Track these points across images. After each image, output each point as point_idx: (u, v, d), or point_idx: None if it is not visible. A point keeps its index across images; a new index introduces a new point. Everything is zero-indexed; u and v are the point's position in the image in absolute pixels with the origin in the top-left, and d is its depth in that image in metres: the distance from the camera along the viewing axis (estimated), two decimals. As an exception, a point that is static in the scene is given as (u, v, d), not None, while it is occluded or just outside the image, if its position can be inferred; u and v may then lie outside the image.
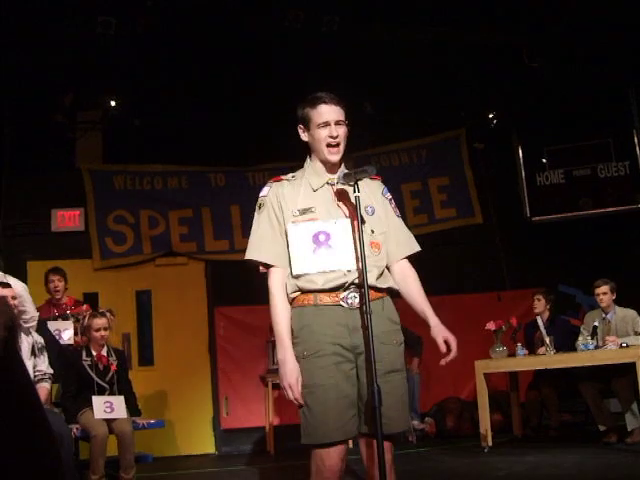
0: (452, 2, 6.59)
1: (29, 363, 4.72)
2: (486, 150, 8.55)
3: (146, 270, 7.90)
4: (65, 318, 6.05)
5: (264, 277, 2.70)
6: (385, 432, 2.41)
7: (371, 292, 2.53)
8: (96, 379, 5.20)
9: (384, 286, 2.66)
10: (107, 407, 4.99)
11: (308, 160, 2.78)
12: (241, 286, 7.48)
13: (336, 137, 2.65)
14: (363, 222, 2.59)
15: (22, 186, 7.72)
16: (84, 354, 5.29)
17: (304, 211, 2.64)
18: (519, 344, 6.33)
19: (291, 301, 2.64)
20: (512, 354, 6.25)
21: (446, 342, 2.69)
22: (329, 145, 2.65)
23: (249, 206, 3.01)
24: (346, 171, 2.65)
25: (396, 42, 6.94)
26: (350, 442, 2.51)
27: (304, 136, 2.74)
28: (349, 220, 2.63)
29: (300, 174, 2.76)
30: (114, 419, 4.98)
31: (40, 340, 4.99)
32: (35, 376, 4.81)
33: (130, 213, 7.91)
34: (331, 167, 2.72)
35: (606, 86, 7.78)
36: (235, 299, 7.71)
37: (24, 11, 6.01)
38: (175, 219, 8.00)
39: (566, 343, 6.16)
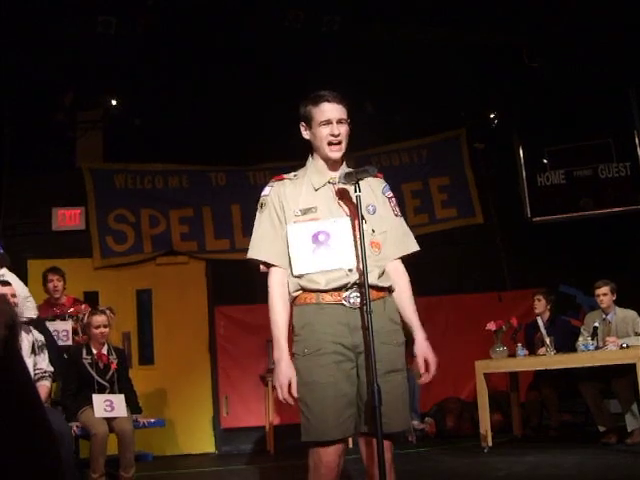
0: (452, 2, 6.58)
1: (29, 361, 4.72)
2: (487, 150, 8.55)
3: (147, 269, 7.90)
4: (63, 319, 6.04)
5: (265, 276, 2.70)
6: (385, 431, 2.42)
7: (372, 292, 2.53)
8: (96, 377, 5.20)
9: (385, 285, 2.66)
10: (107, 405, 5.00)
11: (310, 158, 2.78)
12: (241, 285, 7.49)
13: (338, 135, 2.65)
14: (364, 221, 2.59)
15: (22, 185, 7.72)
16: (84, 352, 5.29)
17: (306, 211, 2.64)
18: (519, 344, 6.32)
19: (293, 299, 2.65)
20: (512, 354, 6.25)
21: (426, 361, 2.64)
22: (330, 143, 2.66)
23: (250, 205, 3.02)
24: (347, 170, 2.65)
25: (396, 42, 6.94)
26: (350, 442, 2.52)
27: (306, 134, 2.74)
28: (350, 219, 2.63)
29: (302, 173, 2.76)
30: (114, 418, 4.99)
31: (40, 338, 4.99)
32: (35, 374, 4.81)
33: (131, 212, 7.92)
34: (333, 165, 2.72)
35: (607, 86, 7.77)
36: (235, 298, 7.72)
37: (24, 11, 6.01)
38: (176, 218, 8.00)
39: (566, 344, 6.15)
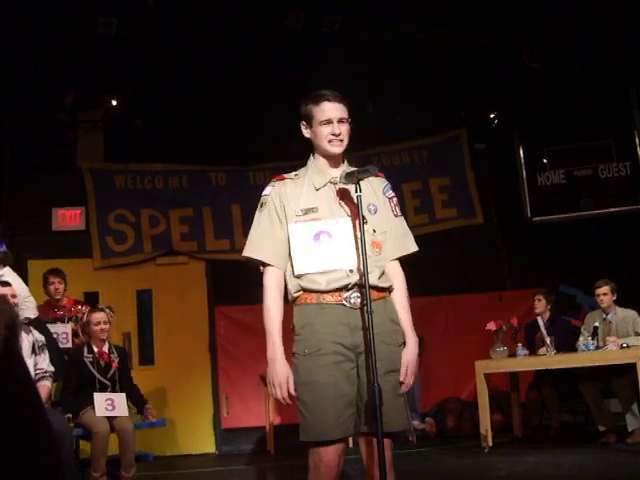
0: (452, 2, 6.58)
1: (30, 361, 4.72)
2: (487, 150, 8.55)
3: (147, 269, 7.90)
4: (63, 321, 6.00)
5: (262, 278, 2.70)
6: (385, 431, 2.42)
7: (373, 292, 2.53)
8: (98, 376, 5.19)
9: (385, 285, 2.66)
10: (109, 404, 4.99)
11: (311, 158, 2.78)
12: (242, 285, 7.45)
13: (338, 135, 2.65)
14: (365, 221, 2.59)
15: (23, 185, 7.72)
16: (85, 351, 5.28)
17: (307, 211, 2.64)
18: (520, 344, 6.32)
19: (294, 300, 2.65)
20: (513, 354, 6.25)
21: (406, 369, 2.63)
22: (331, 141, 2.66)
23: (250, 205, 3.01)
24: (348, 170, 2.64)
25: (396, 42, 6.94)
26: (350, 442, 2.52)
27: (307, 133, 2.74)
28: (351, 219, 2.63)
29: (303, 172, 2.76)
30: (115, 417, 4.98)
31: (41, 338, 4.99)
32: (36, 374, 4.81)
33: (131, 212, 7.92)
34: (334, 162, 2.72)
35: (607, 86, 7.77)
36: (236, 298, 7.71)
37: (25, 11, 6.01)
38: (176, 218, 8.00)
39: (567, 343, 6.15)
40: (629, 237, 7.88)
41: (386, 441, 2.45)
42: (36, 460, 1.18)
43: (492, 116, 8.44)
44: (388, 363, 2.55)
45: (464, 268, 8.33)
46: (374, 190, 2.76)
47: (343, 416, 2.52)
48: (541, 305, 6.77)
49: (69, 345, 5.75)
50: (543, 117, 8.11)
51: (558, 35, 7.00)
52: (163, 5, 6.23)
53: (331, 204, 2.67)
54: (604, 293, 6.18)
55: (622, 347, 5.67)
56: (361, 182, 2.58)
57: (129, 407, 5.30)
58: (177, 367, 7.57)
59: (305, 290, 2.61)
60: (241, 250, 2.77)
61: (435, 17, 6.77)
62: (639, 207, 8.01)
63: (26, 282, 5.48)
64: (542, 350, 6.28)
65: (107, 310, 5.41)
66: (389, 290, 2.69)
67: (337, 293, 2.58)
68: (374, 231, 2.67)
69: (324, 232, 2.62)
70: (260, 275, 2.71)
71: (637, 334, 5.95)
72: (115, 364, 5.32)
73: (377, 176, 2.78)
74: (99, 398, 5.00)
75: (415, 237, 2.84)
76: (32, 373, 4.69)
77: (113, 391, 5.20)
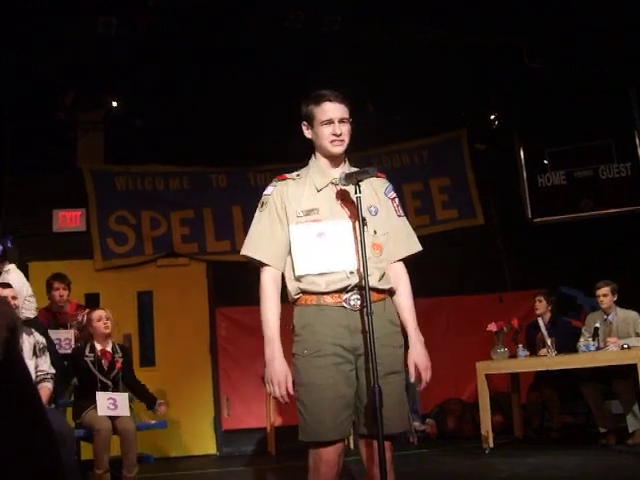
0: (452, 2, 6.58)
1: (31, 363, 4.71)
2: (487, 151, 8.55)
3: (147, 271, 7.90)
4: (66, 327, 5.95)
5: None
6: (384, 432, 2.41)
7: (373, 294, 2.53)
8: (99, 376, 5.15)
9: (385, 287, 2.66)
10: (111, 404, 4.97)
11: (313, 158, 2.78)
12: (242, 287, 7.46)
13: (339, 135, 2.65)
14: (365, 223, 2.59)
15: (23, 186, 7.72)
16: (87, 350, 5.23)
17: (308, 212, 2.64)
18: (520, 345, 6.32)
19: (294, 301, 2.65)
20: (513, 355, 6.24)
21: (417, 368, 2.63)
22: (332, 141, 2.66)
23: (250, 207, 3.01)
24: (348, 172, 2.64)
25: (396, 42, 6.94)
26: (352, 443, 2.52)
27: (308, 133, 2.74)
28: (352, 221, 2.63)
29: (304, 172, 2.75)
30: (117, 417, 4.97)
31: (42, 340, 4.98)
32: (37, 376, 4.80)
33: (131, 214, 7.92)
34: (335, 162, 2.72)
35: (607, 87, 7.77)
36: (236, 300, 7.70)
37: (25, 11, 6.01)
38: (176, 220, 8.00)
39: (567, 344, 6.15)
40: (630, 238, 7.87)
41: (386, 443, 2.45)
42: (36, 460, 1.18)
43: (492, 117, 8.44)
44: (387, 365, 2.55)
45: (465, 269, 8.33)
46: (375, 191, 2.76)
47: (341, 417, 2.53)
48: (542, 306, 6.76)
49: (62, 352, 5.65)
50: (543, 118, 8.12)
51: (558, 35, 7.00)
52: (163, 5, 6.23)
53: (332, 205, 2.67)
54: (604, 294, 6.17)
55: (623, 348, 5.67)
56: (362, 183, 2.57)
57: (131, 408, 5.30)
58: (178, 368, 7.57)
59: (305, 292, 2.61)
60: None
61: (435, 17, 6.78)
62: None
63: (27, 283, 5.47)
64: (543, 351, 6.27)
65: (107, 310, 5.41)
66: (389, 292, 2.69)
67: (337, 295, 2.58)
68: (375, 232, 2.67)
69: (325, 233, 2.61)
70: (260, 276, 2.71)
71: (638, 335, 5.94)
72: (119, 364, 5.28)
73: (378, 177, 2.78)
74: (101, 397, 4.99)
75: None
76: (33, 375, 4.68)
77: (115, 391, 5.17)
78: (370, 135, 7.24)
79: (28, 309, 5.09)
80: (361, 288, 2.56)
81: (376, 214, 2.70)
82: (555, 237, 8.06)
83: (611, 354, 5.68)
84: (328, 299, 2.58)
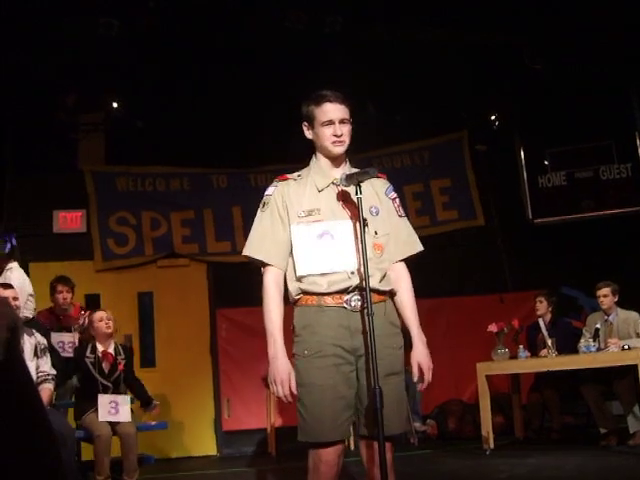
0: (452, 2, 6.59)
1: (32, 364, 4.71)
2: (488, 152, 8.54)
3: (148, 272, 7.90)
4: (69, 330, 5.93)
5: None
6: (384, 434, 2.41)
7: (373, 295, 2.53)
8: (99, 378, 5.12)
9: (386, 289, 2.66)
10: (112, 408, 4.95)
11: (314, 158, 2.78)
12: (243, 288, 7.46)
13: (340, 136, 2.65)
14: (366, 223, 2.59)
15: (24, 187, 7.73)
16: (88, 351, 5.20)
17: (309, 212, 2.64)
18: (521, 346, 6.32)
19: (295, 302, 2.65)
20: (514, 356, 6.24)
21: (420, 368, 2.64)
22: (333, 142, 2.66)
23: (251, 207, 3.01)
24: (348, 173, 2.65)
25: (397, 43, 6.94)
26: (352, 444, 2.52)
27: (308, 134, 2.75)
28: (353, 221, 2.63)
29: (306, 173, 2.76)
30: (118, 422, 4.95)
31: (43, 341, 4.98)
32: (38, 377, 4.80)
33: (132, 214, 7.92)
34: (336, 162, 2.72)
35: (608, 87, 7.77)
36: (237, 301, 7.71)
37: (25, 11, 6.02)
38: (177, 221, 8.00)
39: (568, 345, 6.15)
40: (630, 238, 7.86)
41: (386, 444, 2.45)
42: (36, 461, 1.18)
43: (493, 118, 8.44)
44: (387, 366, 2.55)
45: (465, 270, 8.33)
46: (376, 192, 2.76)
47: (340, 419, 2.53)
48: (543, 307, 6.76)
49: (65, 354, 5.62)
50: (544, 118, 8.11)
51: (558, 35, 7.00)
52: (163, 5, 6.23)
53: (333, 206, 2.67)
54: (605, 295, 6.17)
55: (623, 349, 5.67)
56: (363, 184, 2.58)
57: (132, 411, 5.28)
58: (178, 369, 7.57)
59: (306, 293, 2.61)
60: (242, 252, 2.77)
61: (435, 17, 6.78)
62: (640, 208, 8.00)
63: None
64: (543, 352, 6.27)
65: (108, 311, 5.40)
66: (390, 294, 2.69)
67: (338, 296, 2.58)
68: (376, 233, 2.67)
69: (326, 234, 2.62)
70: (261, 277, 2.71)
71: (638, 336, 5.94)
72: (121, 366, 5.24)
73: (379, 177, 2.78)
74: (103, 400, 4.96)
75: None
76: (34, 376, 4.68)
77: (116, 392, 5.13)
78: (371, 136, 7.24)
79: (27, 309, 5.09)
80: (362, 289, 2.56)
81: (377, 215, 2.71)
82: (556, 238, 8.05)
83: (612, 355, 5.68)
84: (329, 300, 2.58)
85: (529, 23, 6.92)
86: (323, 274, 2.58)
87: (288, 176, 2.76)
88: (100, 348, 5.24)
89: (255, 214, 2.75)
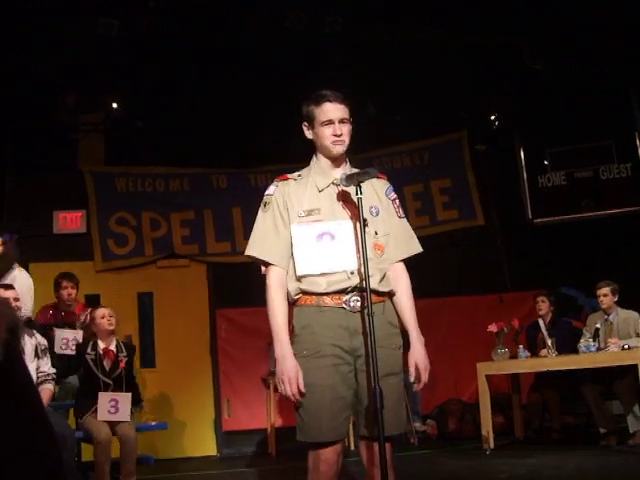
0: (452, 2, 6.59)
1: (32, 365, 4.71)
2: (488, 152, 8.55)
3: (148, 272, 7.90)
4: (73, 327, 5.91)
5: (265, 278, 2.70)
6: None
7: (373, 296, 2.52)
8: (100, 375, 5.08)
9: (386, 289, 2.66)
10: (112, 406, 4.90)
11: (314, 158, 2.78)
12: (242, 288, 7.49)
13: (340, 135, 2.65)
14: (366, 224, 2.59)
15: (24, 188, 7.73)
16: (89, 347, 5.16)
17: (310, 212, 2.64)
18: (521, 346, 6.32)
19: (294, 302, 2.65)
20: (514, 356, 6.24)
21: (417, 369, 2.63)
22: (333, 142, 2.66)
23: (251, 208, 3.01)
24: (348, 173, 2.65)
25: (396, 43, 6.94)
26: (352, 444, 2.52)
27: (308, 134, 2.75)
28: (353, 221, 2.63)
29: (306, 172, 2.76)
30: (118, 423, 4.92)
31: (43, 342, 4.97)
32: (38, 378, 4.79)
33: (132, 215, 7.92)
34: (336, 162, 2.72)
35: (608, 87, 7.77)
36: (237, 301, 7.72)
37: (25, 11, 6.02)
38: (177, 221, 8.00)
39: (568, 345, 6.15)
40: (630, 238, 7.87)
41: (386, 444, 2.44)
42: (37, 462, 1.18)
43: (493, 118, 8.44)
44: (386, 366, 2.54)
45: (465, 270, 8.32)
46: (376, 192, 2.76)
47: (338, 419, 2.53)
48: (545, 306, 6.77)
49: (69, 352, 5.58)
50: (544, 118, 8.12)
51: (558, 35, 7.00)
52: (163, 5, 6.23)
53: (334, 206, 2.67)
54: (604, 294, 6.17)
55: (623, 348, 5.67)
56: (363, 184, 2.58)
57: (132, 413, 5.25)
58: (178, 370, 7.57)
59: (305, 293, 2.61)
60: (242, 253, 2.77)
61: (435, 17, 6.78)
62: (640, 208, 8.00)
63: (27, 285, 5.46)
64: (543, 352, 6.27)
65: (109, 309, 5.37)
66: (389, 294, 2.69)
67: (337, 296, 2.58)
68: (376, 233, 2.67)
69: (326, 233, 2.62)
70: (261, 277, 2.71)
71: (638, 335, 5.94)
72: (123, 364, 5.19)
73: (379, 178, 2.78)
74: (103, 399, 4.92)
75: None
76: (34, 376, 4.67)
77: (117, 390, 5.08)
78: (370, 136, 7.25)
79: (27, 309, 5.09)
80: (361, 289, 2.56)
81: (377, 215, 2.71)
82: (555, 238, 8.06)
83: (612, 355, 5.68)
84: (328, 300, 2.58)
85: (529, 23, 6.92)
86: (323, 274, 2.58)
87: (288, 176, 2.76)
88: (102, 345, 5.19)
89: (255, 214, 2.75)
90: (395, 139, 8.38)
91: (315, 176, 2.72)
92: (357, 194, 2.56)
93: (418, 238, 2.84)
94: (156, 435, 6.71)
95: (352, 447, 6.25)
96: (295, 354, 2.58)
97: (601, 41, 6.94)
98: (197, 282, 7.98)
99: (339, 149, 2.68)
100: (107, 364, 5.17)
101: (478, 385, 6.14)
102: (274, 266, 2.64)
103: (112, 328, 5.22)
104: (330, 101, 2.66)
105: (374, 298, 2.55)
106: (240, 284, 7.56)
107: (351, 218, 2.64)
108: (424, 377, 2.64)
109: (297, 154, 3.09)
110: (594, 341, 5.91)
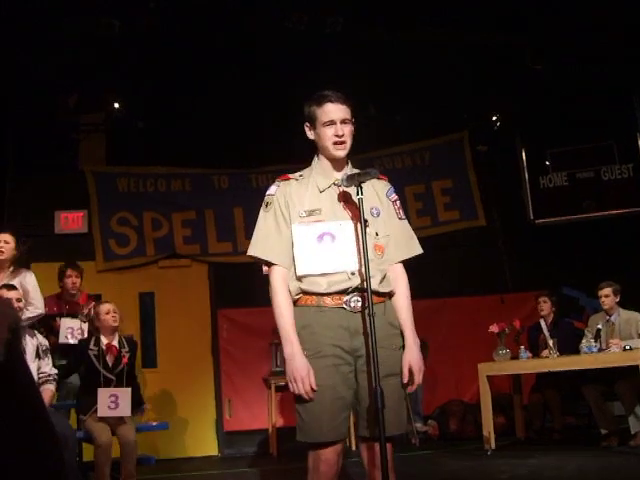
0: (452, 2, 6.59)
1: (33, 365, 4.71)
2: (489, 153, 8.54)
3: (149, 272, 7.90)
4: (76, 317, 5.89)
5: (267, 278, 2.70)
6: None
7: (373, 296, 2.52)
8: (102, 370, 5.06)
9: (386, 290, 2.66)
10: (112, 402, 4.87)
11: (315, 159, 2.78)
12: (244, 288, 7.50)
13: (341, 136, 2.65)
14: (367, 225, 2.59)
15: (25, 188, 7.73)
16: (92, 343, 5.14)
17: (311, 212, 2.64)
18: (522, 347, 6.32)
19: (294, 302, 2.65)
20: (515, 357, 6.24)
21: (410, 370, 2.62)
22: (335, 143, 2.66)
23: (252, 208, 3.01)
24: (349, 173, 2.65)
25: (397, 43, 6.94)
26: (353, 444, 2.52)
27: (310, 134, 2.75)
28: (354, 222, 2.63)
29: (307, 173, 2.76)
30: (119, 425, 4.91)
31: (45, 342, 4.97)
32: (39, 378, 4.79)
33: (133, 215, 7.93)
34: (338, 164, 2.72)
35: (609, 88, 7.77)
36: (238, 301, 7.72)
37: (26, 12, 6.02)
38: (178, 221, 8.01)
39: (569, 346, 6.15)
40: (632, 239, 7.86)
41: (387, 445, 2.44)
42: (39, 462, 1.18)
43: (494, 118, 8.44)
44: (386, 367, 2.54)
45: (466, 270, 8.32)
46: (377, 193, 2.76)
47: (338, 419, 2.54)
48: (547, 307, 6.77)
49: (74, 341, 5.57)
50: (545, 119, 8.11)
51: (558, 35, 7.00)
52: (163, 5, 6.23)
53: (334, 206, 2.68)
54: (606, 295, 6.17)
55: (625, 349, 5.66)
56: (364, 185, 2.58)
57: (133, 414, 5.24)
58: (180, 370, 7.57)
59: (305, 293, 2.61)
60: (243, 253, 2.77)
61: (435, 17, 6.78)
62: (641, 209, 8.00)
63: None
64: (545, 352, 6.27)
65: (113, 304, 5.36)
66: (389, 295, 2.69)
67: (337, 296, 2.58)
68: (376, 234, 2.67)
69: (327, 234, 2.62)
70: (262, 277, 2.71)
71: (640, 336, 5.94)
72: (125, 359, 5.17)
73: (380, 179, 2.78)
74: (103, 394, 4.89)
75: (418, 239, 2.84)
76: (35, 377, 4.67)
77: (119, 386, 5.06)
78: (371, 137, 7.25)
79: (40, 307, 5.12)
80: (361, 290, 2.56)
81: (378, 216, 2.71)
82: (557, 238, 8.05)
83: (613, 355, 5.68)
84: (328, 300, 2.58)
85: (529, 23, 6.92)
86: (323, 274, 2.58)
87: (290, 176, 2.77)
88: (104, 341, 5.17)
89: (256, 215, 2.74)
90: (396, 139, 8.38)
91: (316, 176, 2.72)
92: (358, 194, 2.56)
93: (419, 239, 2.84)
94: (157, 435, 6.71)
95: (353, 447, 6.25)
96: None
97: (601, 41, 6.93)
98: (198, 282, 7.98)
99: (340, 153, 2.68)
100: (110, 360, 5.14)
101: (479, 386, 6.14)
102: (277, 266, 2.64)
103: (116, 325, 5.22)
104: (332, 102, 2.66)
105: (375, 298, 2.55)
106: (241, 284, 7.56)
107: (352, 219, 2.64)
108: (417, 378, 2.63)
109: (298, 154, 3.09)
110: (596, 342, 5.91)
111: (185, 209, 8.05)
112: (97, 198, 7.90)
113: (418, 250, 2.81)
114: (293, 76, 6.68)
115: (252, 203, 3.45)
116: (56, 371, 4.97)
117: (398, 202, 2.82)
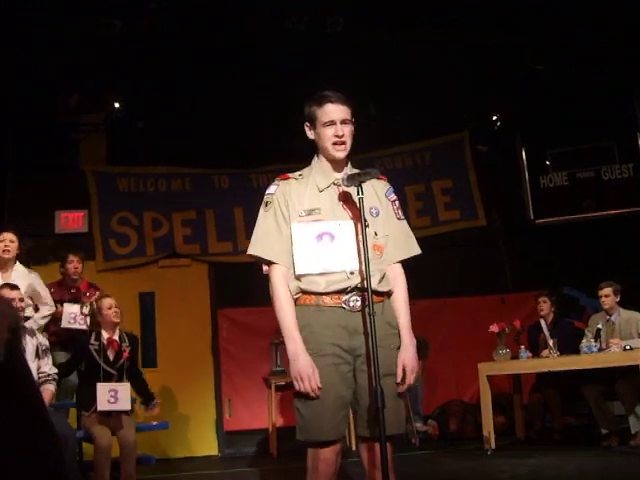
0: (452, 2, 6.59)
1: (33, 365, 4.71)
2: (489, 152, 8.55)
3: (149, 272, 7.90)
4: (77, 302, 5.88)
5: (267, 278, 2.70)
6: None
7: (372, 296, 2.52)
8: (102, 365, 5.04)
9: (385, 290, 2.67)
10: (111, 396, 4.87)
11: (315, 159, 2.79)
12: (244, 288, 7.50)
13: (341, 136, 2.66)
14: (367, 225, 2.59)
15: (26, 188, 7.73)
16: (92, 338, 5.12)
17: (310, 212, 2.65)
18: (522, 346, 6.32)
19: (294, 301, 2.65)
20: (515, 356, 6.24)
21: (404, 370, 2.61)
22: (335, 143, 2.66)
23: (252, 208, 3.01)
24: (350, 173, 2.65)
25: (397, 43, 6.95)
26: (353, 444, 2.52)
27: (310, 134, 2.75)
28: (353, 222, 2.63)
29: (307, 172, 2.76)
30: (119, 427, 4.90)
31: (45, 342, 4.97)
32: (39, 378, 4.79)
33: (134, 215, 7.93)
34: (338, 165, 2.73)
35: (609, 87, 7.77)
36: (238, 301, 7.72)
37: (26, 12, 6.02)
38: (178, 221, 8.01)
39: (570, 346, 6.15)
40: (632, 239, 7.86)
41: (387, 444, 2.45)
42: (39, 462, 1.18)
43: (494, 118, 8.44)
44: (385, 366, 2.53)
45: (467, 270, 8.32)
46: (377, 193, 2.77)
47: (337, 418, 2.54)
48: (547, 307, 6.77)
49: (85, 327, 5.58)
50: (545, 119, 8.11)
51: (558, 35, 7.00)
52: (164, 5, 6.24)
53: (334, 206, 2.68)
54: (606, 295, 6.17)
55: (625, 349, 5.66)
56: (364, 185, 2.58)
57: (133, 410, 5.25)
58: (180, 369, 7.57)
59: (305, 292, 2.62)
60: (244, 252, 2.77)
61: (435, 17, 6.78)
62: (642, 209, 8.00)
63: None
64: (545, 352, 6.27)
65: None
66: (388, 294, 2.69)
67: (336, 296, 2.59)
68: (376, 234, 2.68)
69: (326, 233, 2.62)
70: (262, 277, 2.71)
71: (640, 336, 5.94)
72: (126, 354, 5.16)
73: (379, 179, 2.78)
74: (102, 389, 4.88)
75: (418, 239, 2.84)
76: (35, 377, 4.67)
77: (119, 381, 5.05)
78: (372, 137, 7.24)
79: (52, 305, 5.14)
80: (361, 290, 2.56)
81: (377, 216, 2.71)
82: (557, 238, 8.05)
83: (613, 355, 5.68)
84: (327, 300, 2.58)
85: (529, 23, 6.92)
86: (322, 274, 2.59)
87: (289, 175, 2.77)
88: (105, 335, 5.16)
89: (257, 214, 2.75)
90: (396, 139, 8.39)
91: (316, 176, 2.73)
92: (358, 194, 2.56)
93: (419, 238, 2.84)
94: (157, 435, 6.70)
95: (353, 447, 6.25)
96: None
97: (601, 41, 6.93)
98: (199, 282, 7.98)
99: (340, 154, 2.68)
100: (111, 354, 5.12)
101: (479, 385, 6.14)
102: (277, 265, 2.64)
103: (118, 320, 5.22)
104: (332, 102, 2.66)
105: (374, 298, 2.55)
106: (241, 284, 7.56)
107: (351, 218, 2.64)
108: (409, 379, 2.62)
109: (299, 154, 3.09)
110: (596, 342, 5.91)
111: (185, 209, 8.05)
112: (97, 198, 7.90)
113: (417, 250, 2.81)
114: (293, 76, 6.68)
115: (252, 203, 3.45)
116: (56, 370, 4.97)
117: (397, 202, 2.83)
